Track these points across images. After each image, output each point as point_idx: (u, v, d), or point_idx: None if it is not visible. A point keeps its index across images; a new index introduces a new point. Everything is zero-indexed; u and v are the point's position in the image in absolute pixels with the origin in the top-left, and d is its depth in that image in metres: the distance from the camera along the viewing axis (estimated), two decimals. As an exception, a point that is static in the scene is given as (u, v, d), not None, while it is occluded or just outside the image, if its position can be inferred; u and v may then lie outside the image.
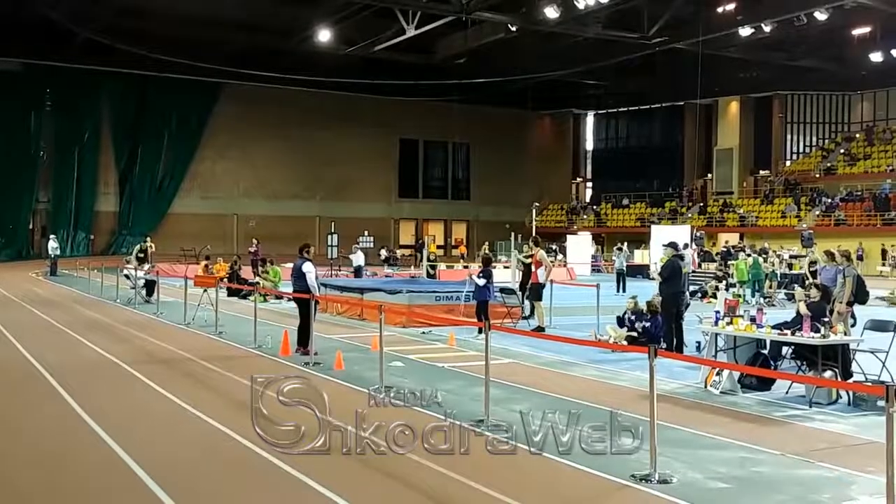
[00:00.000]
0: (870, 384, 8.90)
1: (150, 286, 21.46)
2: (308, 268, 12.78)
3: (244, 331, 14.61)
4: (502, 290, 17.88)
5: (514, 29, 35.30)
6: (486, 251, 23.05)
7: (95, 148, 45.25)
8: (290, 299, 15.86)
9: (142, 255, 23.92)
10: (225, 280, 22.35)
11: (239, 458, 7.11)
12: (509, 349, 13.36)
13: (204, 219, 45.05)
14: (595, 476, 6.45)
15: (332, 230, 33.04)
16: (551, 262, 39.07)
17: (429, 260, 29.09)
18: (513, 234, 28.14)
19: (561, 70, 43.17)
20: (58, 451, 7.34)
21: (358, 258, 27.44)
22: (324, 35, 36.88)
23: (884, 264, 37.95)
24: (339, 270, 29.63)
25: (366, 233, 40.28)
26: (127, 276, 22.93)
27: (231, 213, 47.11)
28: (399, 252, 45.61)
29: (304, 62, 40.37)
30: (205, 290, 18.12)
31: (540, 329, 15.68)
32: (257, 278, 23.18)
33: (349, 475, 6.59)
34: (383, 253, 39.84)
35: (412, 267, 36.84)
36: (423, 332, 15.54)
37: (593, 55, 40.46)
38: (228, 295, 22.46)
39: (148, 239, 27.54)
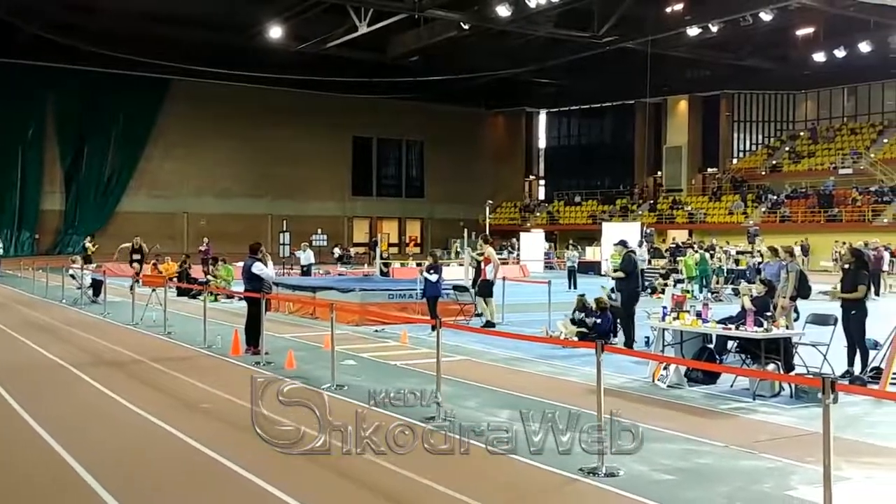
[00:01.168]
0: (811, 376, 9.13)
1: (96, 286, 21.06)
2: (258, 268, 12.68)
3: (194, 331, 14.43)
4: (455, 288, 17.96)
5: (466, 27, 35.41)
6: (434, 250, 23.11)
7: (40, 146, 44.22)
8: (241, 298, 15.72)
9: (86, 255, 23.52)
10: (174, 279, 22.02)
11: (183, 457, 7.04)
12: (462, 346, 13.40)
13: (153, 217, 44.29)
14: (544, 470, 6.52)
15: (284, 228, 32.76)
16: (505, 259, 39.35)
17: (382, 258, 29.04)
18: (466, 231, 28.26)
19: (513, 68, 43.44)
20: (0, 453, 7.19)
21: (307, 257, 27.25)
22: (275, 32, 36.56)
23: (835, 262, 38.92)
24: (292, 269, 29.40)
25: (319, 231, 40.03)
26: (73, 276, 22.47)
27: (181, 211, 46.42)
28: (353, 250, 45.44)
29: (255, 59, 39.96)
30: (153, 290, 17.84)
31: (490, 325, 15.78)
32: (208, 277, 22.87)
33: (296, 473, 6.57)
34: (337, 251, 39.70)
35: (365, 265, 36.73)
36: (376, 331, 15.52)
37: (545, 54, 40.81)
38: (178, 294, 22.15)
39: (89, 239, 27.04)
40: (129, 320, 16.61)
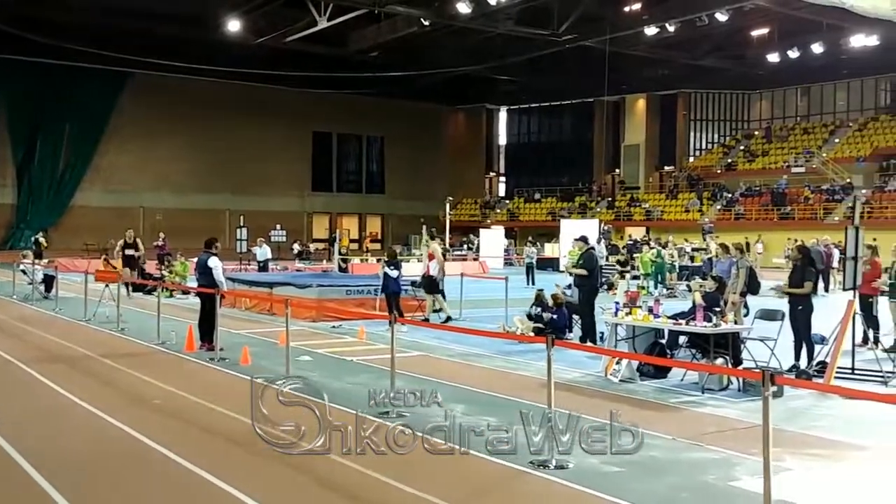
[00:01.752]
0: (757, 370, 9.33)
1: (48, 282, 20.68)
2: (214, 262, 12.58)
3: (148, 327, 14.26)
4: (414, 284, 17.98)
5: (427, 23, 35.39)
6: (393, 246, 23.14)
7: (-9, 139, 43.25)
8: (196, 294, 15.58)
9: (38, 250, 23.04)
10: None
11: (134, 453, 6.99)
12: (420, 342, 13.44)
13: (108, 212, 43.56)
14: (495, 464, 6.59)
15: (242, 224, 32.47)
16: (464, 255, 39.39)
17: (340, 253, 28.94)
18: (424, 227, 28.29)
19: (474, 65, 43.52)
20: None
21: (263, 252, 27.03)
22: (234, 25, 36.17)
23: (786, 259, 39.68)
24: (249, 265, 29.18)
25: (278, 227, 39.80)
26: (24, 272, 22.05)
27: (137, 206, 45.70)
28: (312, 246, 45.21)
29: (214, 52, 39.48)
30: (106, 286, 17.58)
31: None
32: (163, 273, 22.60)
33: (249, 469, 6.56)
34: (296, 247, 39.46)
35: (324, 261, 36.58)
36: (334, 327, 15.50)
37: (505, 51, 40.95)
38: (133, 290, 21.84)
39: (41, 234, 26.54)
40: (81, 316, 16.36)
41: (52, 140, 44.49)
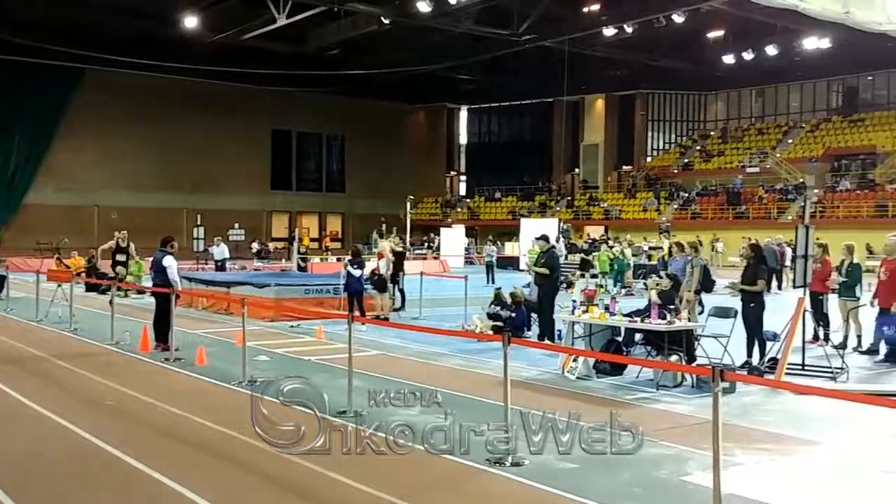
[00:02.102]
0: (709, 366, 9.48)
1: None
2: (169, 261, 12.42)
3: (101, 327, 14.03)
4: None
5: (387, 21, 35.29)
6: (356, 245, 23.04)
7: (-61, 136, 42.10)
8: (151, 294, 15.37)
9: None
10: (82, 275, 21.32)
11: (85, 454, 6.89)
12: (379, 341, 13.43)
13: (62, 211, 42.68)
14: (452, 462, 6.60)
15: (199, 222, 32.06)
16: (424, 254, 39.37)
17: (300, 253, 28.75)
18: (384, 225, 28.23)
19: (434, 64, 43.53)
20: None
21: (221, 251, 26.74)
22: (191, 21, 35.70)
23: (741, 257, 40.31)
24: (206, 264, 28.85)
25: (236, 225, 39.39)
26: (-27, 272, 21.52)
27: (91, 204, 44.85)
28: (272, 245, 44.83)
29: (171, 49, 38.89)
30: (59, 285, 17.25)
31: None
32: (117, 272, 22.21)
33: (202, 469, 6.49)
34: (255, 246, 39.09)
35: (283, 260, 36.31)
36: (292, 326, 15.41)
37: (465, 50, 41.02)
38: (87, 290, 21.49)
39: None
40: (32, 316, 16.06)
41: (4, 137, 43.43)
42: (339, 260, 32.66)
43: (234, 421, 7.89)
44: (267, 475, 6.41)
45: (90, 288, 21.57)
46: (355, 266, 16.01)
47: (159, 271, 12.54)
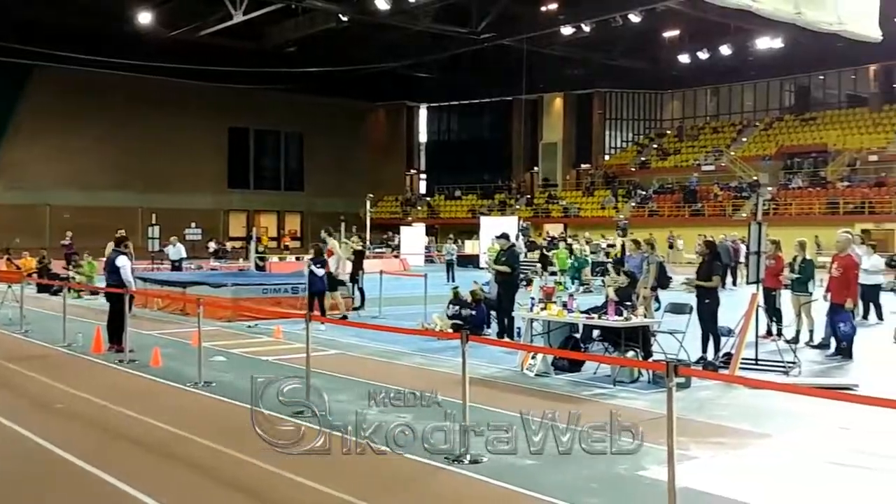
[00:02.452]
0: (664, 362, 9.59)
1: (-55, 283, 19.70)
2: (122, 261, 12.20)
3: (53, 328, 13.75)
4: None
5: (345, 19, 35.12)
6: (317, 242, 22.85)
7: None
8: (104, 295, 15.09)
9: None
10: (34, 275, 20.88)
11: (38, 460, 6.73)
12: (337, 340, 13.34)
13: (12, 210, 41.69)
14: (410, 460, 6.59)
15: (154, 222, 31.57)
16: (381, 252, 39.20)
17: (257, 252, 28.47)
18: (343, 224, 28.10)
19: (393, 62, 43.44)
20: None
21: (177, 251, 26.36)
22: (144, 17, 35.14)
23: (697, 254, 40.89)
24: (162, 264, 28.44)
25: (193, 224, 38.86)
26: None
27: (43, 203, 43.90)
28: (229, 244, 44.36)
29: (125, 45, 38.22)
30: (9, 286, 16.87)
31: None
32: (70, 273, 21.81)
33: (152, 472, 6.39)
34: (212, 245, 38.64)
35: (241, 259, 35.94)
36: (249, 326, 15.25)
37: (424, 48, 41.00)
38: (39, 291, 21.05)
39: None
40: (-19, 319, 15.66)
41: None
42: (298, 259, 32.43)
43: (190, 423, 7.79)
44: (223, 477, 6.34)
45: (42, 289, 21.13)
46: (318, 265, 15.89)
47: (112, 271, 12.32)
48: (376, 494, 6.01)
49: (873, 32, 14.41)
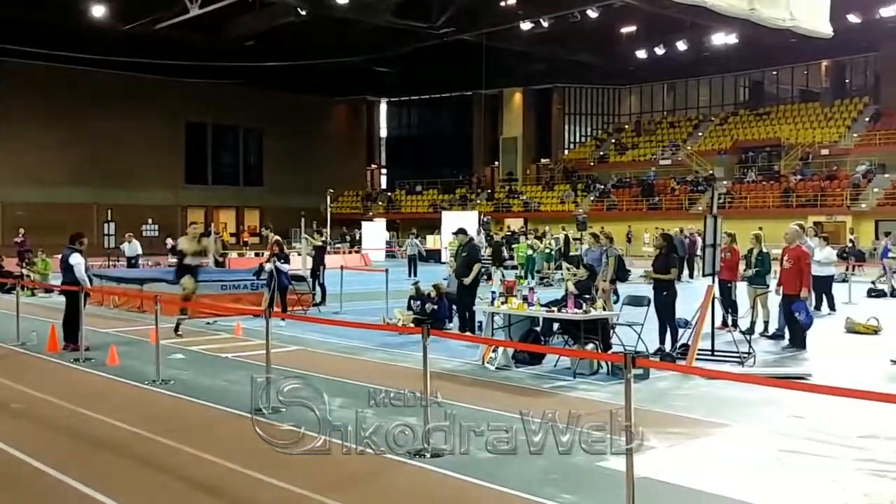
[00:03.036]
0: (623, 354, 9.71)
1: None
2: (76, 259, 11.99)
3: (6, 327, 13.47)
4: (293, 278, 17.71)
5: (303, 13, 34.85)
6: (280, 240, 22.62)
7: None
8: (60, 293, 14.82)
9: None
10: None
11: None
12: (298, 337, 13.28)
13: (-38, 208, 40.83)
14: (372, 455, 6.59)
15: (110, 218, 31.05)
16: (339, 248, 38.98)
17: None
18: (303, 220, 27.96)
19: (353, 57, 43.21)
20: None
21: (132, 248, 25.95)
22: (98, 10, 34.48)
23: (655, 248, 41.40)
24: (118, 261, 27.99)
25: (150, 221, 38.31)
26: None
27: (-5, 200, 43.02)
28: (187, 241, 43.67)
29: (79, 39, 37.47)
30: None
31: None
32: (23, 271, 21.37)
33: (119, 475, 6.31)
34: (169, 242, 38.07)
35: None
36: (208, 323, 15.11)
37: (384, 43, 40.86)
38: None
39: None
40: (-70, 319, 15.29)
41: None
42: (257, 255, 32.14)
43: (149, 421, 7.70)
44: (183, 476, 6.28)
45: (-6, 288, 20.67)
46: (282, 261, 15.78)
47: (67, 269, 12.11)
48: (335, 489, 6.00)
49: (824, 29, 14.73)
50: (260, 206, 54.63)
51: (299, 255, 26.04)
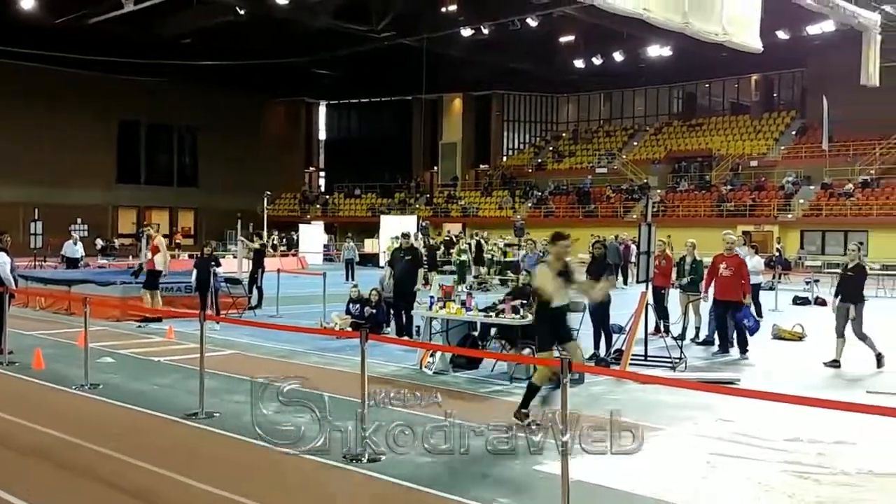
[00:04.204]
0: (558, 358, 9.82)
1: None
2: (2, 259, 11.59)
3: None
4: (228, 281, 17.47)
5: (242, 12, 34.41)
6: (211, 242, 22.27)
7: None
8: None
9: None
10: None
11: None
12: (233, 340, 13.09)
13: None
14: (308, 460, 6.54)
15: (36, 217, 30.09)
16: (282, 250, 38.66)
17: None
18: (240, 221, 27.57)
19: (292, 58, 42.79)
20: None
21: (76, 250, 25.22)
22: (27, 2, 33.41)
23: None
24: (45, 262, 27.14)
25: (79, 220, 37.19)
26: None
27: (-87, 198, 41.27)
28: (118, 241, 42.71)
29: (7, 31, 36.23)
30: None
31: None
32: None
33: (46, 483, 6.12)
34: (99, 242, 37.16)
35: (131, 257, 34.71)
36: (139, 326, 14.77)
37: (324, 45, 40.58)
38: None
39: None
40: None
41: None
42: (190, 257, 31.52)
43: (76, 427, 7.49)
44: (113, 482, 6.12)
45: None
46: (215, 264, 15.58)
47: (-10, 269, 11.68)
48: (271, 494, 5.94)
49: (755, 43, 15.17)
50: (195, 207, 53.62)
51: (234, 257, 25.67)
